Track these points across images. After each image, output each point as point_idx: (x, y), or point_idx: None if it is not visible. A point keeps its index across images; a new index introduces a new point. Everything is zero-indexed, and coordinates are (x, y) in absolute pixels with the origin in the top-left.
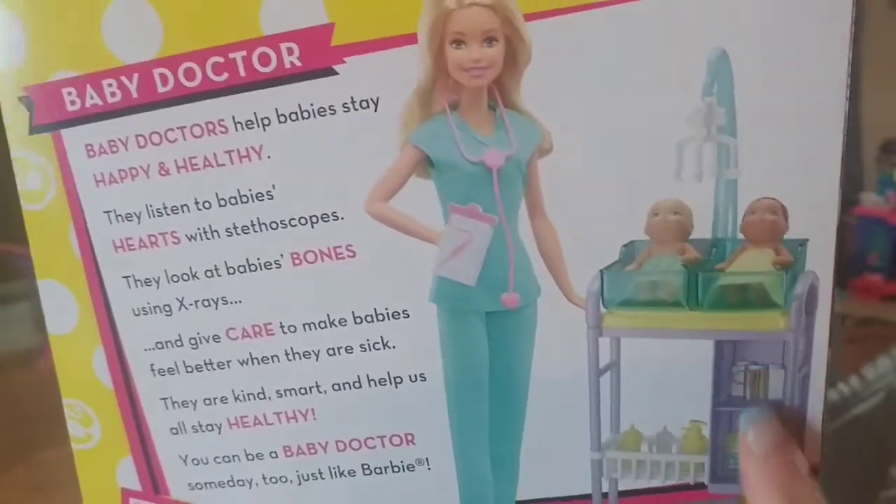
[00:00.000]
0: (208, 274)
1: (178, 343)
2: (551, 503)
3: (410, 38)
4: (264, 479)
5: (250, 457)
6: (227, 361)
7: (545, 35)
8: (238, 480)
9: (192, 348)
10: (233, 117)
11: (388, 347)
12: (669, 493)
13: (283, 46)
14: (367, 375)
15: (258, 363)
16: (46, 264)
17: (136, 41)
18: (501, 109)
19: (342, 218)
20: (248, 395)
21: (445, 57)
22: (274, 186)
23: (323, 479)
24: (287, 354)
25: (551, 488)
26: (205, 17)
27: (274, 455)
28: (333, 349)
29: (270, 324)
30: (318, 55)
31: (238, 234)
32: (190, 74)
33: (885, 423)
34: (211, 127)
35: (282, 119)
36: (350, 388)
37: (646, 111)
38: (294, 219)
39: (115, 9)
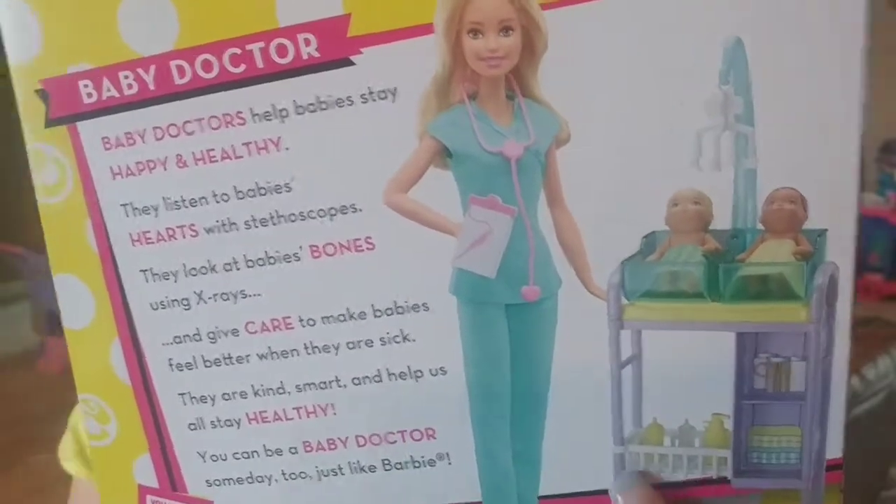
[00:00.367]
0: (227, 267)
1: (197, 337)
2: (574, 498)
3: (427, 29)
4: (283, 475)
5: (269, 453)
6: (246, 356)
7: (561, 24)
8: (257, 477)
9: (211, 342)
10: (251, 109)
11: (409, 341)
12: (692, 488)
13: (301, 37)
14: (388, 369)
15: (277, 357)
16: (62, 258)
17: (153, 33)
18: (519, 99)
19: (361, 210)
20: (268, 389)
21: (462, 47)
22: (293, 178)
23: (343, 474)
24: (306, 348)
25: (573, 483)
26: (221, 8)
27: (293, 451)
28: (353, 343)
29: (289, 317)
30: (335, 46)
31: (257, 226)
32: (207, 66)
33: (885, 423)
34: (229, 119)
35: (300, 110)
36: (370, 382)
37: (663, 100)
38: (313, 211)
39: (131, 1)
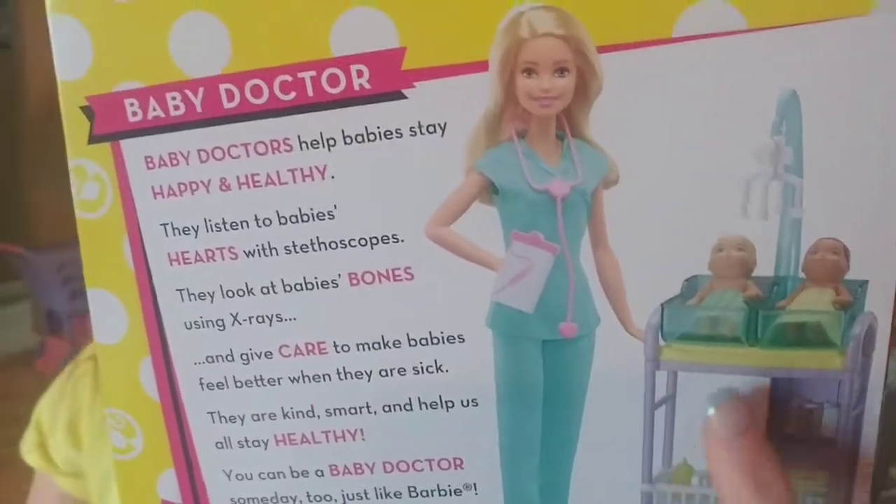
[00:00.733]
0: (264, 290)
1: (230, 358)
2: None
3: (481, 66)
4: (308, 497)
5: (295, 474)
6: (279, 378)
7: (617, 67)
8: (282, 497)
9: (244, 364)
10: (298, 136)
11: (442, 371)
12: None
13: (353, 68)
14: (419, 398)
15: (309, 381)
16: (98, 274)
17: (204, 55)
18: (569, 139)
19: (402, 240)
20: (297, 412)
21: (515, 85)
22: (336, 206)
23: (368, 499)
24: (339, 374)
25: None
26: (275, 34)
27: (320, 474)
28: (386, 370)
29: (324, 342)
30: (387, 78)
31: (297, 251)
32: (257, 91)
33: (886, 424)
34: (276, 145)
35: (347, 140)
36: (401, 409)
37: (714, 147)
38: (354, 239)
39: (184, 22)
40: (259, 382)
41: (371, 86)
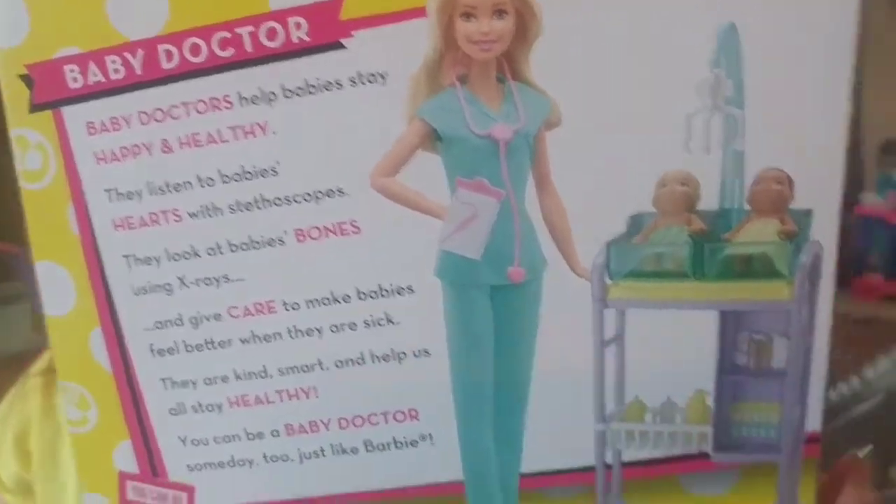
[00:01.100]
0: (210, 252)
1: (179, 322)
2: (555, 476)
3: (419, 12)
4: (265, 458)
5: (251, 436)
6: (229, 340)
7: (555, 7)
8: (238, 460)
9: (193, 327)
10: (238, 93)
11: (392, 323)
12: (673, 463)
13: (291, 21)
14: (371, 352)
15: (260, 341)
16: (44, 245)
17: (142, 18)
18: (510, 82)
19: (347, 193)
20: (250, 373)
21: (455, 30)
22: (278, 162)
23: (325, 456)
24: (290, 332)
25: (555, 461)
26: None
27: (275, 434)
28: (336, 326)
29: (273, 301)
30: (326, 29)
31: (241, 210)
32: (195, 50)
33: (885, 424)
34: (216, 103)
35: (288, 94)
36: (353, 364)
37: (654, 83)
38: (298, 195)
39: None
40: (210, 345)
41: (310, 37)
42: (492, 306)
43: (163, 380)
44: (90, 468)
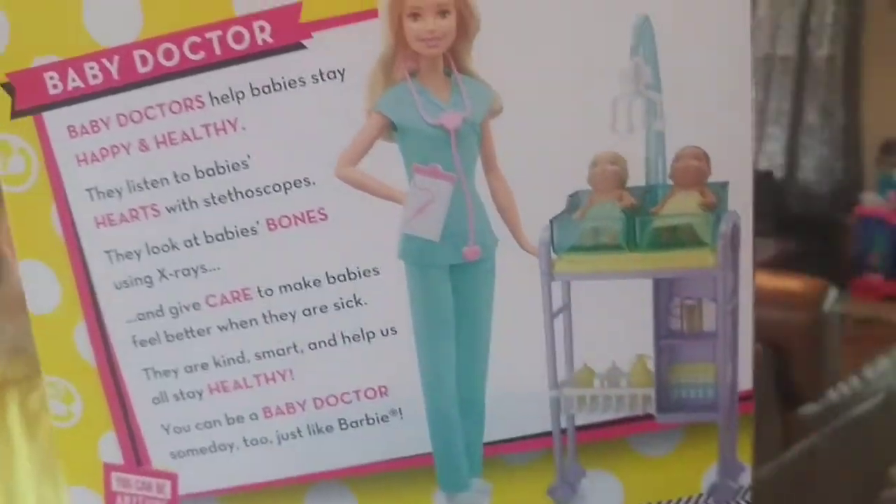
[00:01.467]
0: (188, 244)
1: (159, 313)
2: (515, 442)
3: (372, 13)
4: (245, 441)
5: (231, 421)
6: (207, 328)
7: (492, 5)
8: (219, 445)
9: (173, 317)
10: (209, 93)
11: (361, 304)
12: (621, 425)
13: (256, 25)
14: (342, 332)
15: (237, 328)
16: (28, 245)
17: (117, 25)
18: (456, 75)
19: (314, 183)
20: (228, 359)
21: (404, 29)
22: (249, 156)
23: (301, 437)
24: (265, 317)
25: (515, 428)
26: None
27: (254, 417)
28: (309, 309)
29: (248, 289)
30: (287, 32)
31: (216, 203)
32: (168, 54)
33: (885, 423)
34: (189, 103)
35: (255, 92)
36: (325, 345)
37: (582, 72)
38: (269, 186)
39: None
40: (189, 334)
41: (273, 39)
42: (451, 284)
43: (145, 370)
44: (75, 461)
